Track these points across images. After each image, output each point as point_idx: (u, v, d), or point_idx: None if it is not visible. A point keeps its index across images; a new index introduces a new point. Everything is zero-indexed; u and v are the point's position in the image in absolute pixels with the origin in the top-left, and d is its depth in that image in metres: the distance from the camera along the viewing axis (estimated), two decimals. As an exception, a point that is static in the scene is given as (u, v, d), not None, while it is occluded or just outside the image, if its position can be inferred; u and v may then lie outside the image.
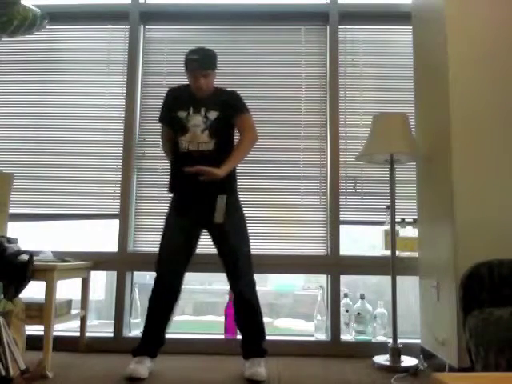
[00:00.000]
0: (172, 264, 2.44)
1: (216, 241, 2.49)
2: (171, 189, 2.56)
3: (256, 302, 2.45)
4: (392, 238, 2.72)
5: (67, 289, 2.82)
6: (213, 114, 2.47)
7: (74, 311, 2.79)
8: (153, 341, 2.45)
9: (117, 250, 3.05)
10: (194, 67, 2.42)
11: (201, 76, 2.41)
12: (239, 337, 2.73)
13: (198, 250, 2.94)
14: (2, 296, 2.14)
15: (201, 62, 2.43)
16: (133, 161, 3.15)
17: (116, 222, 3.09)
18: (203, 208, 2.44)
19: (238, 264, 2.43)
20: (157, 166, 3.19)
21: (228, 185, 2.48)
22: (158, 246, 2.49)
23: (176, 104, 2.51)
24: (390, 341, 2.64)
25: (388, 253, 2.79)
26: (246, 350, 2.45)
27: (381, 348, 2.74)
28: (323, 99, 3.21)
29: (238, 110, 2.52)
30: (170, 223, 2.51)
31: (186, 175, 2.38)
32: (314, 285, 3.19)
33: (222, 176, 2.35)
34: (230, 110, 2.49)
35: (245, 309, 2.45)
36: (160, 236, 3.09)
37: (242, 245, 2.47)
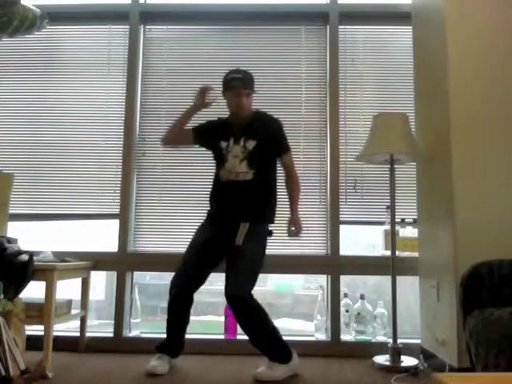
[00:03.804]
0: (190, 273, 2.46)
1: (229, 261, 2.47)
2: (209, 215, 2.63)
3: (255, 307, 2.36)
4: (392, 238, 2.72)
5: (67, 289, 2.82)
6: (251, 144, 2.52)
7: (74, 311, 2.79)
8: (173, 342, 2.50)
9: (117, 250, 3.05)
10: (236, 85, 2.49)
11: (243, 95, 2.49)
12: (239, 337, 2.75)
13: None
14: (2, 296, 2.14)
15: (244, 80, 2.51)
16: (133, 161, 3.15)
17: (116, 222, 3.09)
18: (229, 232, 2.45)
19: (240, 269, 2.38)
20: (157, 166, 3.19)
21: (256, 214, 2.52)
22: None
23: (219, 133, 2.58)
24: (390, 341, 2.64)
25: (388, 253, 2.79)
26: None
27: (381, 348, 2.74)
28: (323, 99, 3.21)
29: (284, 148, 2.62)
30: (200, 235, 2.57)
31: (223, 206, 2.53)
32: (313, 285, 3.19)
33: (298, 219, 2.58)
34: (271, 142, 2.57)
35: (240, 311, 2.37)
36: (160, 236, 3.12)
37: (251, 260, 2.43)
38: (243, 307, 2.33)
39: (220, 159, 2.56)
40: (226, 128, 2.58)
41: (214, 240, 2.49)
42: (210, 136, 2.62)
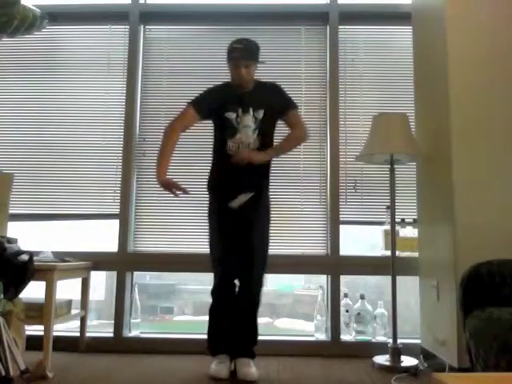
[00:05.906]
0: (230, 263, 2.42)
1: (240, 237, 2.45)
2: (211, 187, 2.55)
3: (259, 302, 2.44)
4: (392, 238, 2.72)
5: (67, 289, 2.82)
6: (260, 113, 2.48)
7: (74, 311, 2.79)
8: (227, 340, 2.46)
9: (117, 250, 3.05)
10: (236, 56, 2.42)
11: (242, 66, 2.42)
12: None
13: (198, 251, 2.95)
14: (2, 296, 2.14)
15: (243, 51, 2.44)
16: (133, 161, 3.15)
17: (116, 222, 3.09)
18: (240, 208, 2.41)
19: (253, 260, 2.39)
20: (157, 166, 3.18)
21: (265, 184, 2.52)
22: (210, 247, 2.47)
23: (224, 104, 2.46)
24: (390, 341, 2.64)
25: (388, 253, 2.79)
26: (238, 349, 2.42)
27: (381, 348, 2.74)
28: (323, 99, 3.21)
29: (288, 106, 2.53)
30: (217, 224, 2.48)
31: (230, 178, 2.40)
32: (314, 285, 3.19)
33: (265, 160, 2.41)
34: (276, 106, 2.50)
35: (249, 305, 2.41)
36: (160, 236, 3.12)
37: (260, 243, 2.44)
38: (259, 296, 2.41)
39: (229, 131, 2.45)
40: (231, 98, 2.48)
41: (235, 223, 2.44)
42: (215, 108, 2.47)
